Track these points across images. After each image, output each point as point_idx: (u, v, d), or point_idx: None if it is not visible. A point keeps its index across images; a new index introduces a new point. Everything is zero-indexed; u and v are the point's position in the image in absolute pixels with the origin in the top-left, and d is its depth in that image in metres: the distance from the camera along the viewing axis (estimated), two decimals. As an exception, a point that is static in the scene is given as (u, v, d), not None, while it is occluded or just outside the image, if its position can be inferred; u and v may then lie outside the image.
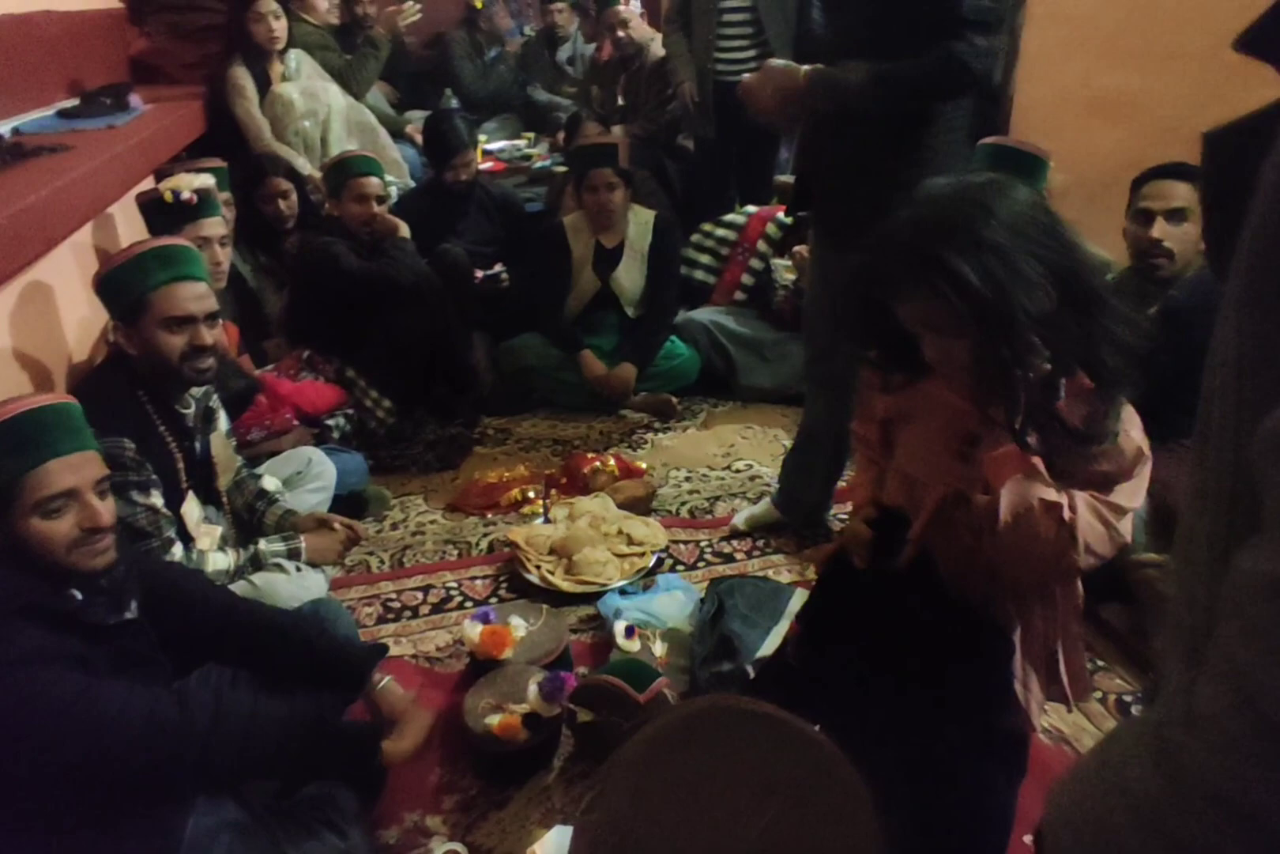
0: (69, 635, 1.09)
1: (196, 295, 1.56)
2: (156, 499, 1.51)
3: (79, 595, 1.15)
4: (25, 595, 1.08)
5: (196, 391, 1.66)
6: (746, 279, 3.07)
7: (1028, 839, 1.41)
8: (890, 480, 1.14)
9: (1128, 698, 1.67)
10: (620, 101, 3.94)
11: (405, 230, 2.60)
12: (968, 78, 1.57)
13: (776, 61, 1.65)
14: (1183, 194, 1.84)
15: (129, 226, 2.34)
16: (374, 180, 2.57)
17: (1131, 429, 0.99)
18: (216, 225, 2.06)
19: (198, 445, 1.67)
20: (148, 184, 2.47)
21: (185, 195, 1.95)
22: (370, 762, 1.30)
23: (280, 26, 3.03)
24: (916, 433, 1.10)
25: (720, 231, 3.16)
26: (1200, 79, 2.22)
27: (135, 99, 2.59)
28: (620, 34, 3.70)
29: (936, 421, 1.07)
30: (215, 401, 1.75)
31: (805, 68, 1.60)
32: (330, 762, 1.27)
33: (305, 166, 2.96)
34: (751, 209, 3.17)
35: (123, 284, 1.54)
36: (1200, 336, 1.87)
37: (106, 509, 1.16)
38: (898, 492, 1.12)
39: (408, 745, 1.35)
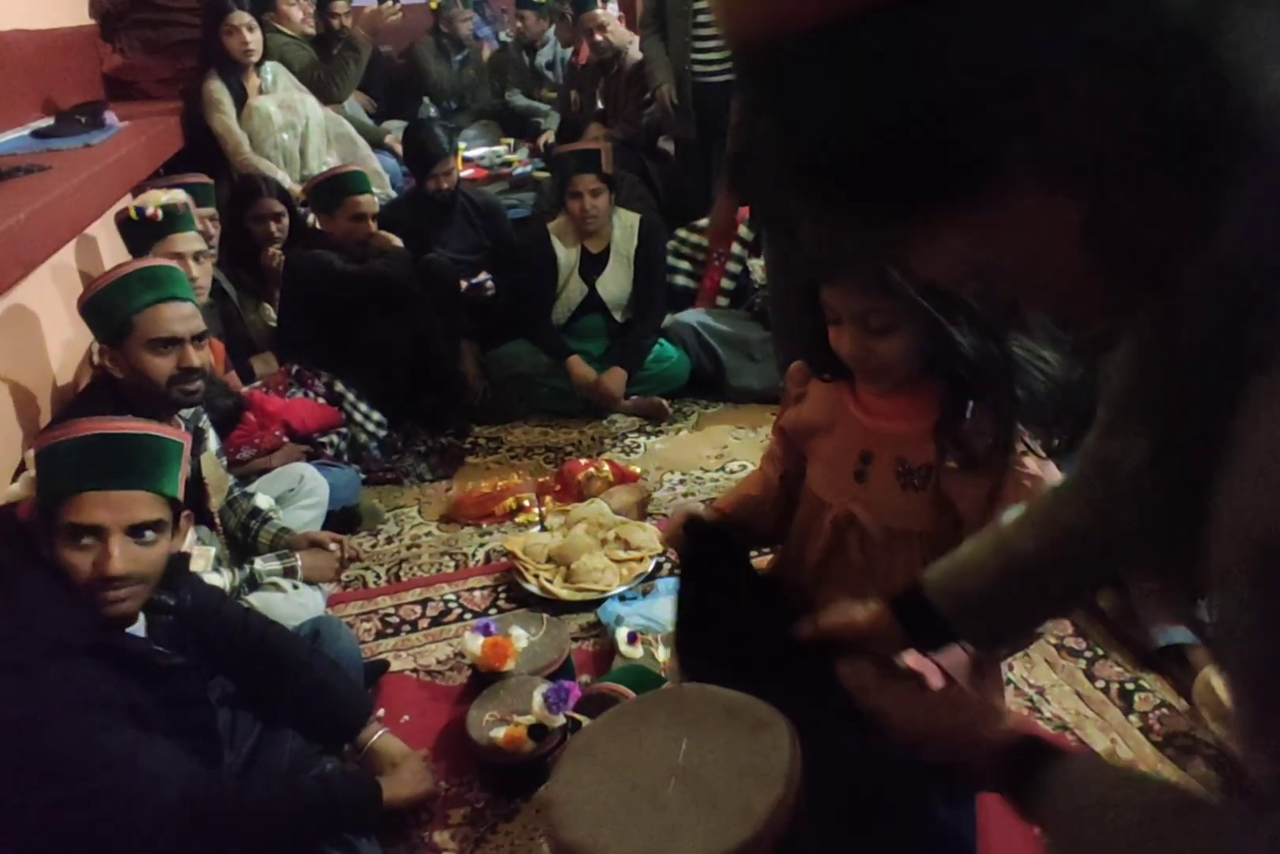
0: (129, 678, 1.08)
1: (182, 316, 1.55)
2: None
3: (143, 634, 1.15)
4: (94, 633, 1.07)
5: (186, 412, 1.65)
6: (726, 283, 3.08)
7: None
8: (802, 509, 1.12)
9: (1129, 685, 1.68)
10: (599, 105, 3.94)
11: (399, 243, 2.62)
12: None
13: None
14: None
15: (111, 247, 2.32)
16: (369, 198, 2.58)
17: (1027, 462, 0.96)
18: (189, 240, 2.03)
19: (189, 467, 1.66)
20: (127, 202, 2.46)
21: (150, 211, 1.94)
22: (375, 822, 1.32)
23: (255, 39, 3.01)
24: (825, 447, 1.09)
25: (694, 237, 3.18)
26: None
27: (111, 116, 2.57)
28: (598, 37, 3.70)
29: (840, 435, 1.06)
30: (205, 422, 1.74)
31: None
32: (336, 830, 1.27)
33: (285, 180, 2.94)
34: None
35: (107, 306, 1.53)
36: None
37: (131, 558, 1.10)
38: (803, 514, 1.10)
39: (405, 793, 1.36)
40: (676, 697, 0.80)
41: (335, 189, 2.57)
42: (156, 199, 1.98)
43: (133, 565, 1.10)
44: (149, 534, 1.12)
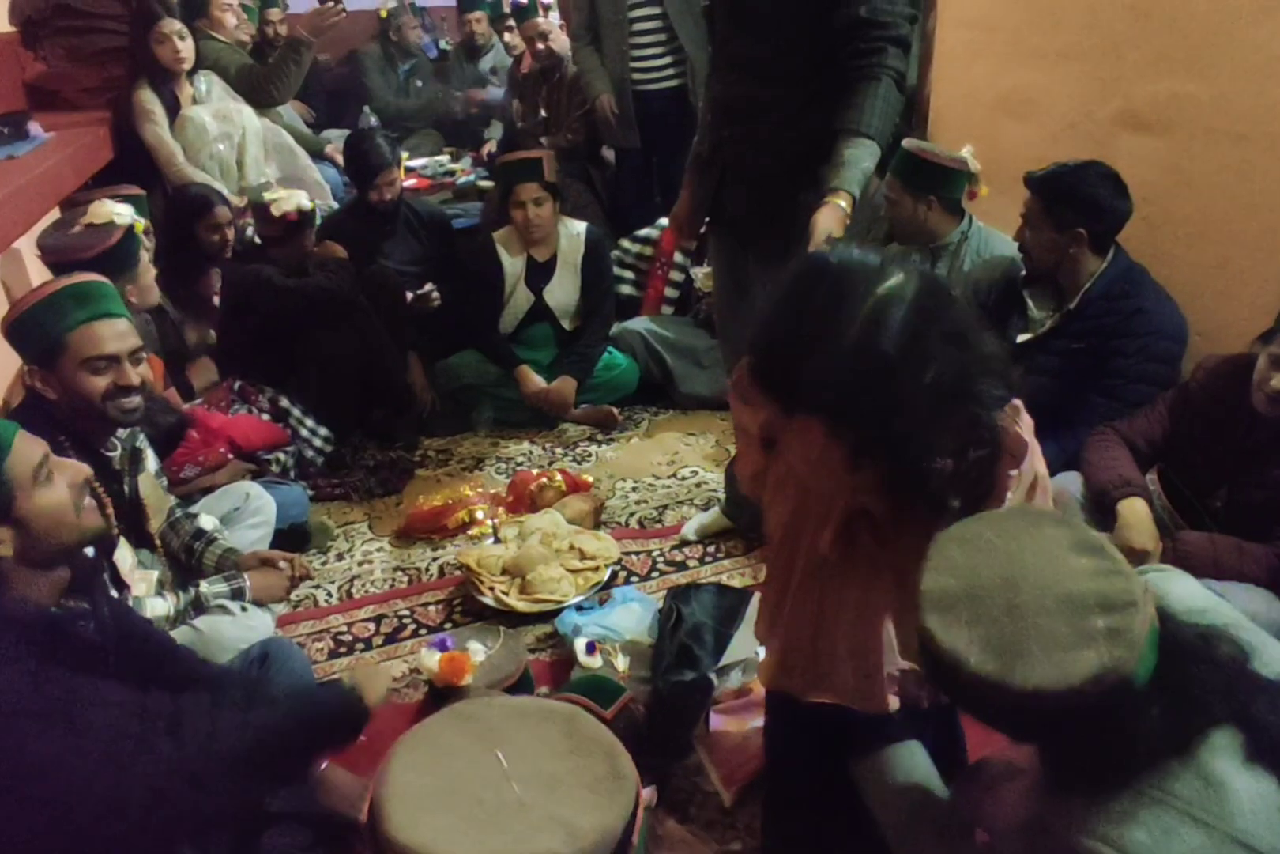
0: (39, 657, 1.04)
1: (118, 333, 1.49)
2: (87, 549, 1.45)
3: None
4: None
5: (122, 432, 1.60)
6: (670, 292, 3.11)
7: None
8: (782, 487, 1.11)
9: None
10: (542, 113, 3.94)
11: (343, 254, 2.60)
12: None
13: (824, 221, 1.49)
14: None
15: (37, 263, 2.24)
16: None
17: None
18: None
19: (126, 488, 1.61)
20: (55, 215, 2.38)
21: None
22: (360, 728, 1.20)
23: (186, 47, 2.93)
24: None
25: (636, 247, 3.21)
26: (1094, 76, 2.31)
27: (35, 127, 2.50)
28: (540, 46, 3.70)
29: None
30: (142, 441, 1.68)
31: (843, 201, 1.52)
32: (324, 743, 1.20)
33: (223, 191, 2.87)
34: (664, 222, 3.20)
35: (37, 326, 1.46)
36: (1113, 324, 2.00)
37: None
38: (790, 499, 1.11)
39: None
40: (459, 716, 0.79)
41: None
42: (114, 210, 1.94)
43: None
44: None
